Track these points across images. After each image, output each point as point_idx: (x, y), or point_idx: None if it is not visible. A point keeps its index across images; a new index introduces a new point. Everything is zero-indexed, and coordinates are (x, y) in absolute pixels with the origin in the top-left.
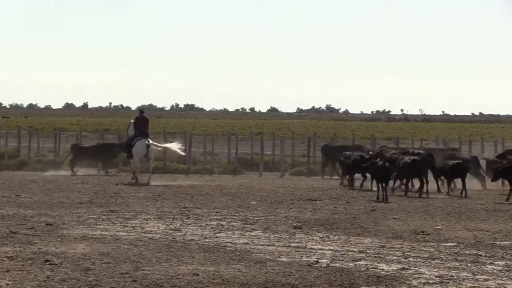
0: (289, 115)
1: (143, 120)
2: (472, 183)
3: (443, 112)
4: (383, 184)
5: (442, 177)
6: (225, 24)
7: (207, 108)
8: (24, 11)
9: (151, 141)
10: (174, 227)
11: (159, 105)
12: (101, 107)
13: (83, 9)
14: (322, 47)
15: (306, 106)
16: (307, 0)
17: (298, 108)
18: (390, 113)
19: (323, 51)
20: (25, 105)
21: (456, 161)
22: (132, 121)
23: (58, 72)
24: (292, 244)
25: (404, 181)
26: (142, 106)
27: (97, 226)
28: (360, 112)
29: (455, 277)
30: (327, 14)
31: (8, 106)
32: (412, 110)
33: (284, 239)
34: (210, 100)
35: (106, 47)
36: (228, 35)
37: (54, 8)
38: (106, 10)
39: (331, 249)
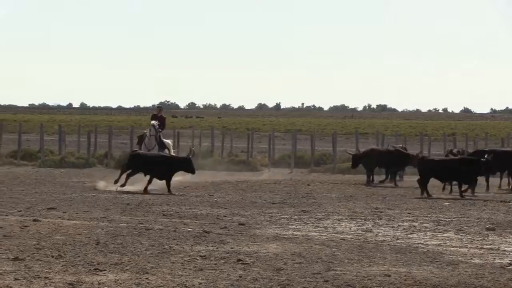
0: (482, 115)
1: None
2: None
3: None
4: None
5: None
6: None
7: (400, 109)
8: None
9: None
10: (366, 228)
11: (351, 106)
12: (293, 107)
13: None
14: None
15: (500, 106)
16: None
17: (491, 109)
18: None
19: None
20: (218, 106)
21: None
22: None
23: (250, 72)
24: (484, 246)
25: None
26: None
27: (289, 226)
28: None
29: None
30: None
31: (201, 107)
32: None
33: (477, 240)
34: (402, 100)
35: (297, 48)
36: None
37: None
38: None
39: None
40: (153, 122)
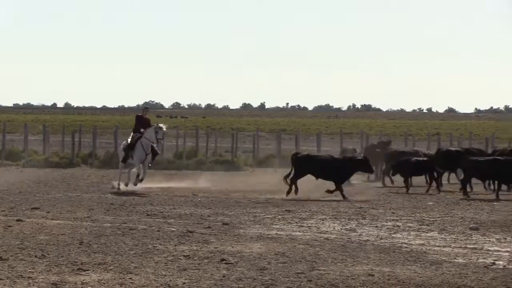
0: (466, 115)
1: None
2: None
3: None
4: None
5: None
6: (407, 24)
7: (384, 109)
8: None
9: None
10: (350, 228)
11: (336, 105)
12: (278, 107)
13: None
14: (502, 47)
15: (484, 106)
16: None
17: (476, 109)
18: None
19: (502, 52)
20: (203, 106)
21: None
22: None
23: (235, 72)
24: (468, 246)
25: None
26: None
27: (273, 226)
28: None
29: None
30: None
31: (186, 107)
32: None
33: (461, 240)
34: (387, 100)
35: (286, 48)
36: (406, 37)
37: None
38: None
39: (508, 251)
40: (162, 126)
